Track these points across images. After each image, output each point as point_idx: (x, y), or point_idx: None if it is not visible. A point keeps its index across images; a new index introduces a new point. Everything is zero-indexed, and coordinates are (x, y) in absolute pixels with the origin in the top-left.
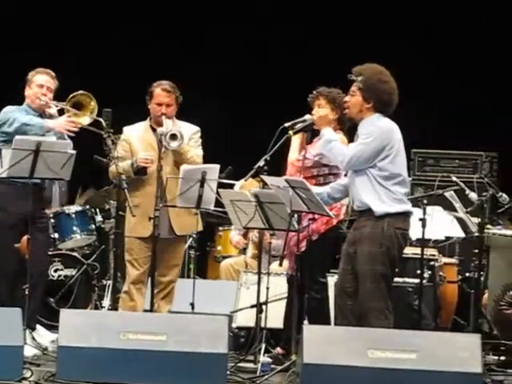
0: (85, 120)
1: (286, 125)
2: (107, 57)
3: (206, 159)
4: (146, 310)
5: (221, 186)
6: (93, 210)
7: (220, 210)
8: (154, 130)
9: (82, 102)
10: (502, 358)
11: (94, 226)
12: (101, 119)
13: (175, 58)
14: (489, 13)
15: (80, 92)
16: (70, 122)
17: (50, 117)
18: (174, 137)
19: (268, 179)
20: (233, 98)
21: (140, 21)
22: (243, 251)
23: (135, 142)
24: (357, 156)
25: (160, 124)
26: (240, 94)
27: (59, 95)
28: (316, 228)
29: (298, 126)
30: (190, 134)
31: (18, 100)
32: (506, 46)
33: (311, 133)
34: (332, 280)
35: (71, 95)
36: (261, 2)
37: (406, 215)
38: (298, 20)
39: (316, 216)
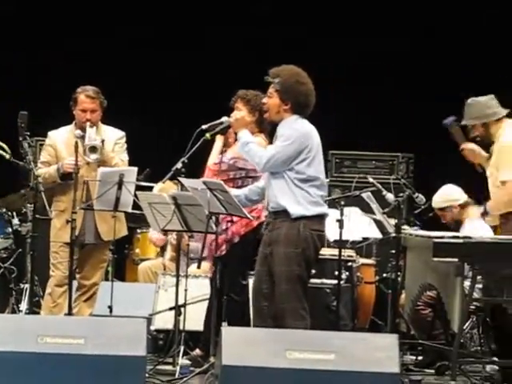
0: None
1: (204, 127)
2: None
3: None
4: (65, 314)
5: (139, 188)
6: (9, 213)
7: (138, 212)
8: None
9: None
10: (420, 357)
11: (10, 230)
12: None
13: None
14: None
15: None
16: None
17: None
18: (93, 149)
19: (186, 181)
20: (156, 100)
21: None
22: (161, 253)
23: (61, 146)
24: (274, 158)
25: (85, 130)
26: (159, 95)
27: None
28: (236, 230)
29: (216, 128)
30: (115, 139)
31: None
32: (416, 47)
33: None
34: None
35: None
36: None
37: (321, 217)
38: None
39: (235, 218)
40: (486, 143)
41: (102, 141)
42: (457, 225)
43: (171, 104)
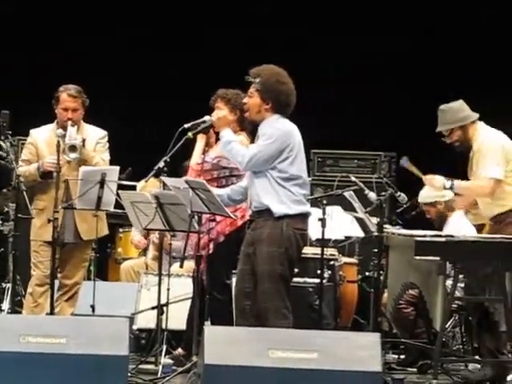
0: None
1: (186, 126)
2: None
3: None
4: (46, 313)
5: (121, 187)
6: None
7: (120, 211)
8: None
9: None
10: (402, 356)
11: None
12: None
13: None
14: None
15: None
16: None
17: None
18: (73, 148)
19: (168, 180)
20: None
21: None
22: (144, 253)
23: (42, 145)
24: (256, 157)
25: (66, 128)
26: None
27: None
28: (221, 230)
29: (198, 127)
30: (96, 139)
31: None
32: (396, 46)
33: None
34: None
35: None
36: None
37: (304, 216)
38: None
39: (218, 218)
40: (466, 147)
41: (83, 140)
42: (441, 221)
43: (154, 103)
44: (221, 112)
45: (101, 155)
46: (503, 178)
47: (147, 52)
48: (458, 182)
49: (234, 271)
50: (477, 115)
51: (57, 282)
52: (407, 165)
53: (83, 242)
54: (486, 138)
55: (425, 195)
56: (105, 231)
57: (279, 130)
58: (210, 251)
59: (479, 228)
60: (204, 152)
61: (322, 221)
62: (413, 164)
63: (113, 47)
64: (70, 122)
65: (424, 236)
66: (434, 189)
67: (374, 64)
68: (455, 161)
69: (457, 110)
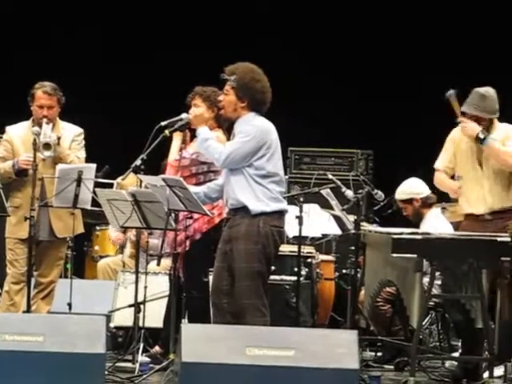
0: None
1: (163, 123)
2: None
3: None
4: (23, 311)
5: (98, 185)
6: None
7: (97, 209)
8: None
9: None
10: (379, 353)
11: None
12: None
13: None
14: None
15: None
16: None
17: None
18: (47, 146)
19: (145, 178)
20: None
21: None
22: (121, 250)
23: (17, 142)
24: (233, 154)
25: (42, 126)
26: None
27: None
28: (198, 227)
29: (175, 125)
30: (72, 136)
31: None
32: (377, 45)
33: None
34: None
35: None
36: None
37: (281, 213)
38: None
39: (194, 215)
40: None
41: (58, 138)
42: (417, 218)
43: (131, 102)
44: (198, 109)
45: (76, 153)
46: None
47: (121, 50)
48: (491, 140)
49: (210, 269)
50: None
51: (33, 280)
52: (452, 98)
53: (58, 239)
54: (509, 127)
55: (401, 192)
56: (80, 229)
57: (256, 127)
58: (187, 248)
59: (456, 225)
60: (181, 149)
61: (299, 218)
62: (455, 101)
63: (83, 46)
64: (45, 120)
65: (401, 233)
66: (465, 134)
67: (353, 62)
68: (432, 159)
69: (495, 100)
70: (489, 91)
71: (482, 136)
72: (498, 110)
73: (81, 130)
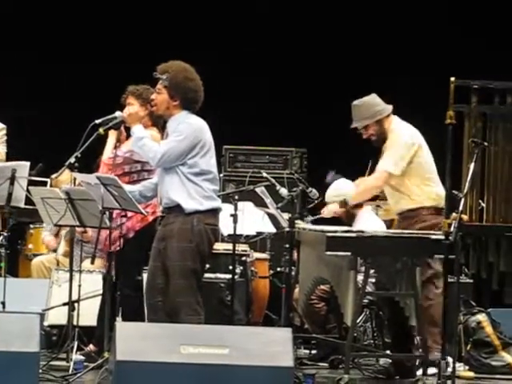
0: None
1: (97, 121)
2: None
3: (16, 157)
4: None
5: (31, 183)
6: None
7: (30, 207)
8: None
9: None
10: (314, 351)
11: None
12: None
13: None
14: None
15: None
16: None
17: None
18: None
19: (79, 176)
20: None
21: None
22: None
23: None
24: (168, 153)
25: None
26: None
27: None
28: (131, 226)
29: (109, 123)
30: None
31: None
32: (308, 44)
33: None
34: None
35: None
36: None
37: (215, 211)
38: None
39: (129, 214)
40: (382, 140)
41: None
42: (349, 219)
43: (66, 101)
44: (132, 108)
45: None
46: (398, 174)
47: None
48: (351, 196)
49: (145, 267)
50: (391, 108)
51: None
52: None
53: None
54: (395, 133)
55: (331, 194)
56: None
57: (191, 125)
58: (120, 247)
59: (389, 223)
60: (115, 147)
61: (234, 216)
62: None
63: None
64: None
65: (335, 231)
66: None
67: (289, 61)
68: (365, 157)
69: (371, 104)
70: (362, 99)
71: (345, 201)
72: (379, 111)
73: (3, 126)
